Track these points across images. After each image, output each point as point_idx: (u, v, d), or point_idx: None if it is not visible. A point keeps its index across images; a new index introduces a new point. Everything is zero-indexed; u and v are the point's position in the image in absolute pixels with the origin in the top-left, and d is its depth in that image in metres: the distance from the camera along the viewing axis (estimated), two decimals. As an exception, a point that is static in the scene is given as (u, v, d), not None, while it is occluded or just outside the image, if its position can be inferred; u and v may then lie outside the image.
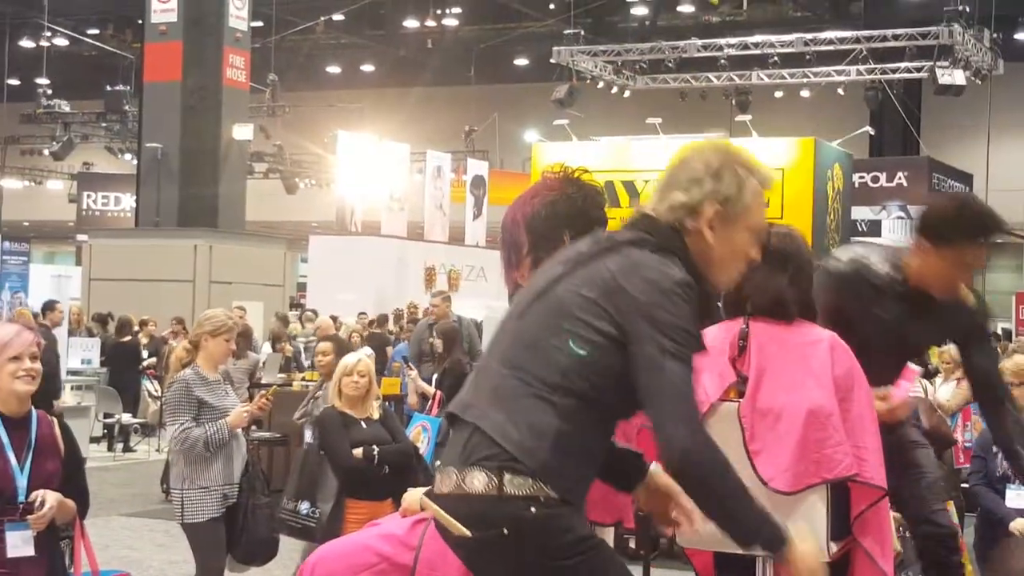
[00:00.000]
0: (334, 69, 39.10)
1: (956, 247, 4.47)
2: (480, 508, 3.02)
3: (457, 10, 33.90)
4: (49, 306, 15.39)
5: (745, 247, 3.25)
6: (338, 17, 34.59)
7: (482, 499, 3.02)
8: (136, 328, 17.93)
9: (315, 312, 19.54)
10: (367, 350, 13.77)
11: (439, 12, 33.98)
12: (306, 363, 15.82)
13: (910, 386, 4.19)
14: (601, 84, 28.75)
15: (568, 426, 3.02)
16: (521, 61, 37.85)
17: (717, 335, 4.07)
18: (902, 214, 26.14)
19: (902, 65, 26.81)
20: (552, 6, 33.08)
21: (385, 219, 25.06)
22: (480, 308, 17.38)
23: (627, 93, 29.21)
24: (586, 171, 3.87)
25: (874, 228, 26.84)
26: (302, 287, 29.66)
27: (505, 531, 3.00)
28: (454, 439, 3.16)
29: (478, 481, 3.02)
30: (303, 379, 13.66)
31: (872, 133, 29.46)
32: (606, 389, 3.03)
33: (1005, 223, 4.51)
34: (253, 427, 11.22)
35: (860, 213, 24.73)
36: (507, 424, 3.03)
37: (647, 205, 3.26)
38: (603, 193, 3.81)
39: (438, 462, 3.25)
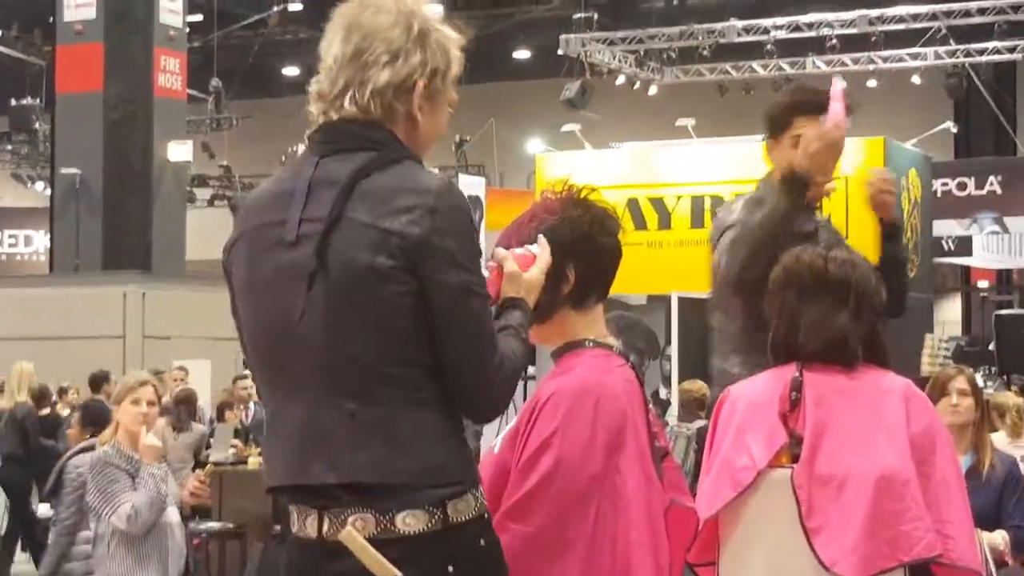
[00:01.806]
0: (291, 71, 39.23)
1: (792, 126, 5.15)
2: (418, 546, 3.10)
3: (441, -7, 34.02)
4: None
5: (442, 128, 3.31)
6: (295, 7, 34.74)
7: (421, 537, 3.09)
8: (55, 398, 17.90)
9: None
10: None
11: (419, -4, 34.08)
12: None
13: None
14: (621, 79, 28.84)
15: (444, 409, 3.15)
16: (522, 54, 37.99)
17: (764, 386, 4.08)
18: (997, 228, 26.14)
19: (991, 45, 26.87)
20: (558, -15, 33.25)
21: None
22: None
23: (653, 89, 29.29)
24: (594, 189, 3.88)
25: (963, 246, 26.82)
26: (259, 340, 29.60)
27: (451, 568, 3.09)
28: (314, 505, 3.18)
29: (415, 519, 3.09)
30: (262, 454, 13.61)
31: (956, 130, 29.50)
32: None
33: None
34: (198, 516, 11.19)
35: (945, 228, 24.74)
36: (406, 455, 3.10)
37: (324, 96, 3.21)
38: (615, 216, 3.82)
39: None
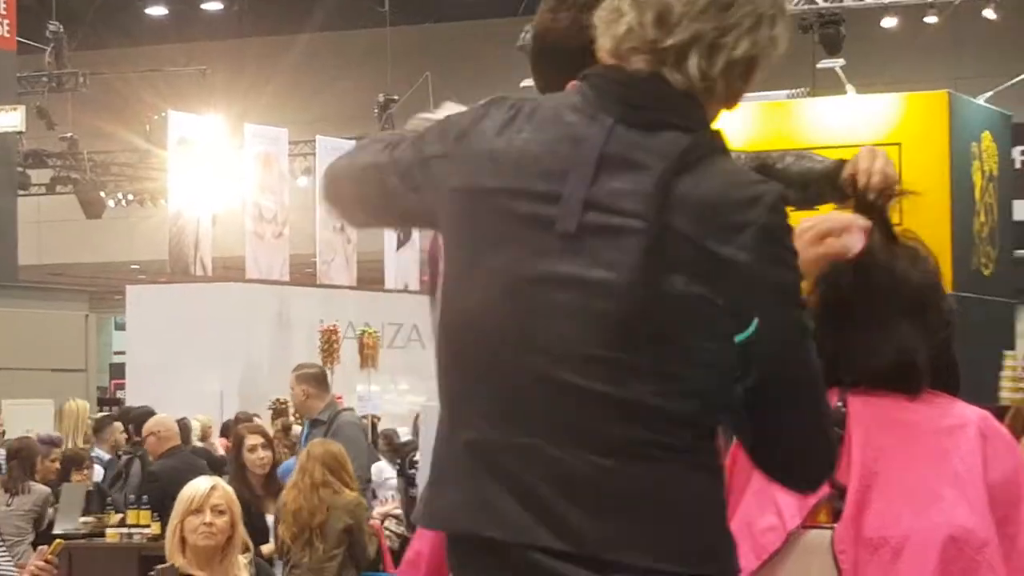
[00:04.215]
0: (157, 10, 39.14)
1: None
2: None
3: (356, -95, 33.97)
4: None
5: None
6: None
7: None
8: None
9: (143, 410, 19.42)
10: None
11: (327, -91, 34.08)
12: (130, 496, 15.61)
13: None
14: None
15: (719, 475, 3.19)
16: (465, -16, 38.04)
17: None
18: (1099, 209, 26.27)
19: (1088, -35, 27.05)
20: None
21: (252, 253, 25.03)
22: (415, 394, 17.37)
23: (640, 29, 29.33)
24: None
25: (1054, 233, 26.95)
26: (118, 371, 29.48)
27: None
28: None
29: None
30: (125, 523, 13.52)
31: (1044, 78, 29.71)
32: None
33: None
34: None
35: (1029, 210, 24.87)
36: (669, 531, 3.07)
37: (646, 41, 3.11)
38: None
39: None
